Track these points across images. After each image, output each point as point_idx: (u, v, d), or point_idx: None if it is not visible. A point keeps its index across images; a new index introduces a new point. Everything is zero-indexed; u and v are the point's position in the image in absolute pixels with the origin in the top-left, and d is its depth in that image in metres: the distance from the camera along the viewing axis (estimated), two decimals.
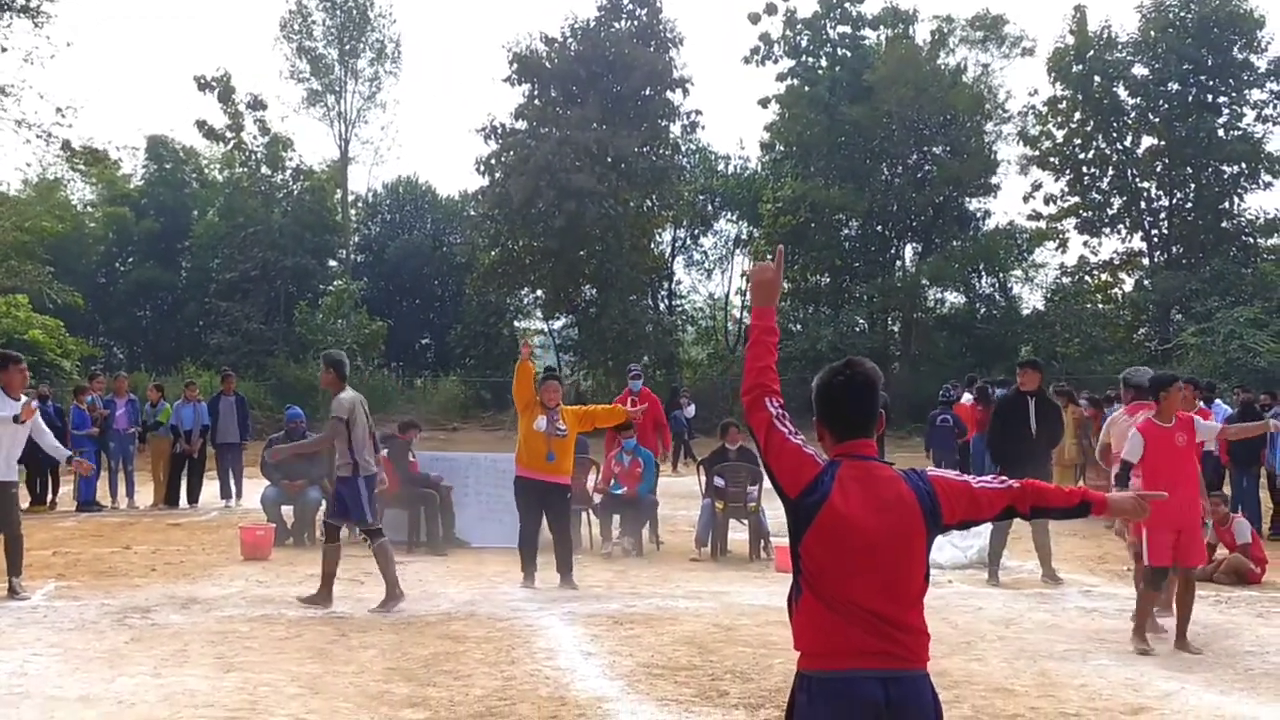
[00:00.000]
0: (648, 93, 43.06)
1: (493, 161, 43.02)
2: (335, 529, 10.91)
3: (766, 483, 14.68)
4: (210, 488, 19.94)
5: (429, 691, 7.51)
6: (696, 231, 51.94)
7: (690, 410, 29.65)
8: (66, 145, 35.44)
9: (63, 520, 17.64)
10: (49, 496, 19.19)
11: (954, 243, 45.58)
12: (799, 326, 44.08)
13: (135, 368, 43.52)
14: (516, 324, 48.85)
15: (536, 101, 43.30)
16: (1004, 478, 3.86)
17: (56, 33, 60.71)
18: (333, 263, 51.92)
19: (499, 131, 43.14)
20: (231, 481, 19.85)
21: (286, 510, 15.18)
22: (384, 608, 10.36)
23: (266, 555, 13.52)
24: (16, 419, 10.86)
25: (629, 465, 14.38)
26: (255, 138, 47.18)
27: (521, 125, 43.30)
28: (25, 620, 9.70)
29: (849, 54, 46.85)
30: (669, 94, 43.41)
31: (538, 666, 8.26)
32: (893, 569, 3.58)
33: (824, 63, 47.15)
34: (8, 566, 11.06)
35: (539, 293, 46.63)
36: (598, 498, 14.59)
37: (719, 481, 14.06)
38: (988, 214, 47.42)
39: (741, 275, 47.61)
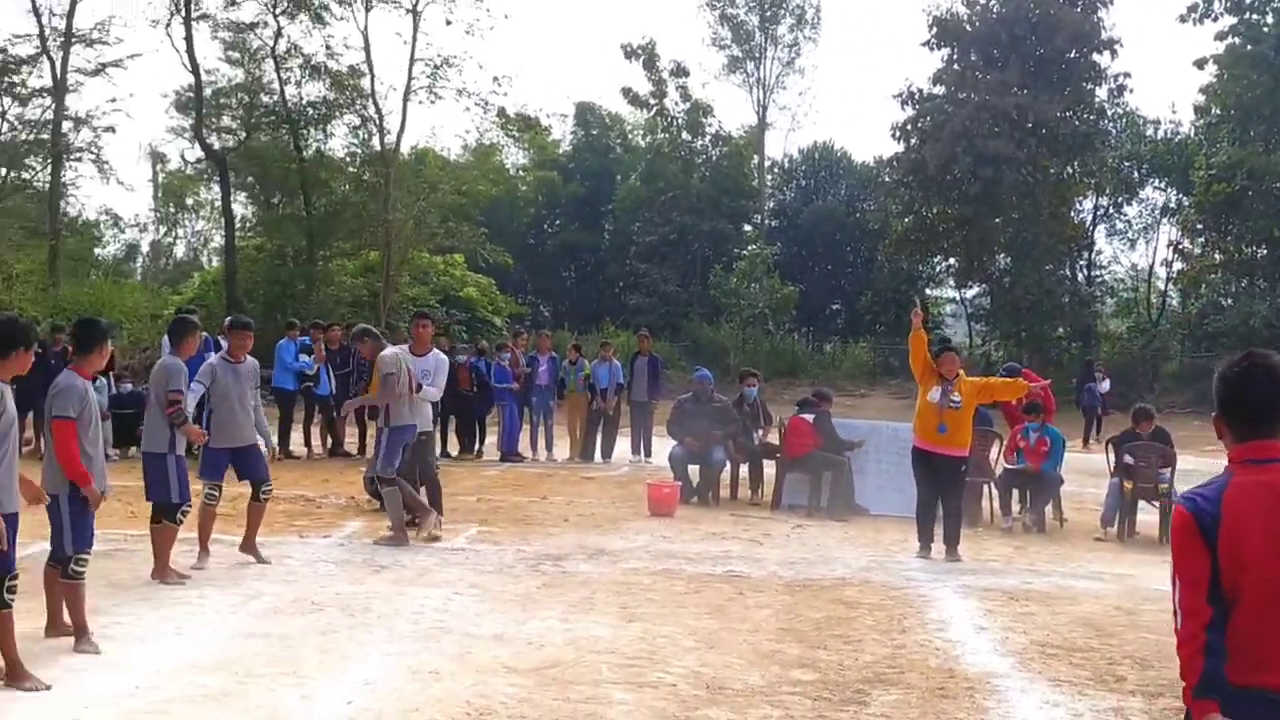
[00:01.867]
0: (1072, 55, 41.47)
1: (909, 127, 42.58)
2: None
3: (1181, 464, 14.07)
4: (623, 444, 20.72)
5: (819, 654, 7.63)
6: (1120, 199, 49.65)
7: (1105, 385, 28.60)
8: (502, 112, 37.51)
9: (487, 469, 18.76)
10: (476, 446, 20.42)
11: None
12: (1229, 301, 41.59)
13: (559, 326, 45.70)
14: (928, 291, 48.29)
15: (956, 66, 42.48)
16: None
17: (496, 5, 64.02)
18: (747, 227, 52.82)
19: (916, 97, 42.63)
20: (642, 439, 20.55)
21: (693, 469, 15.55)
22: (387, 541, 11.11)
23: (672, 512, 13.92)
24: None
25: (1034, 442, 14.05)
26: (677, 104, 48.56)
27: (939, 90, 42.63)
28: (450, 561, 10.44)
29: None
30: (1095, 56, 41.67)
31: (928, 637, 8.24)
32: None
33: (1270, 19, 43.94)
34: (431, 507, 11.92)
35: (951, 260, 45.93)
36: (999, 471, 14.33)
37: (1128, 460, 13.55)
38: None
39: (1168, 246, 45.25)
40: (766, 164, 55.24)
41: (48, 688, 6.35)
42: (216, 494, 10.06)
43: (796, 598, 9.39)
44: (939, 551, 11.58)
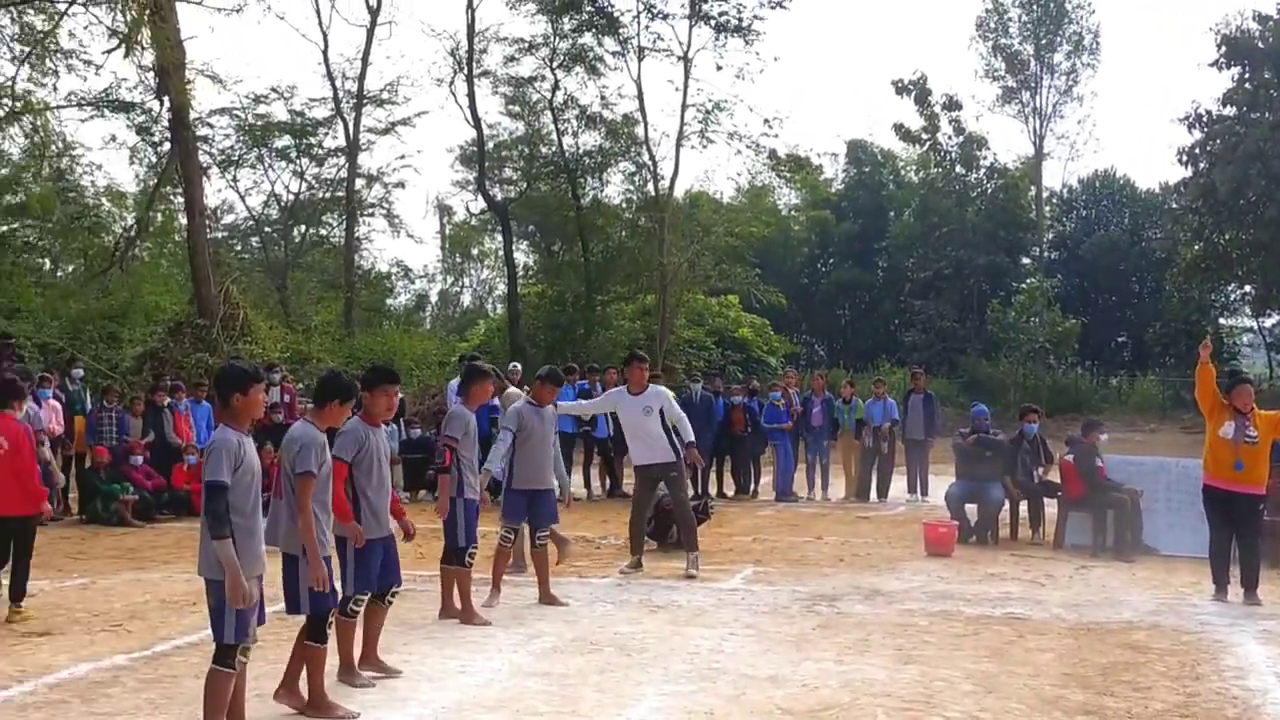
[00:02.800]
0: None
1: (1196, 151, 40.97)
2: None
3: None
4: (899, 483, 20.50)
5: (1105, 701, 7.39)
6: None
7: None
8: (773, 154, 37.68)
9: (762, 509, 18.85)
10: (751, 486, 20.52)
11: None
12: None
13: (834, 364, 45.59)
14: (1222, 321, 46.31)
15: (1247, 85, 40.68)
16: None
17: (765, 48, 64.48)
18: (1026, 260, 51.69)
19: (1204, 119, 40.98)
20: (918, 477, 20.29)
21: (971, 508, 15.29)
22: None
23: (949, 552, 13.73)
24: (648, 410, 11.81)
25: None
26: (950, 138, 47.89)
27: (1229, 111, 40.88)
28: (725, 601, 10.53)
29: None
30: None
31: (1225, 685, 7.89)
32: None
33: None
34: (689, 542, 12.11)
35: (1247, 288, 43.93)
36: None
37: None
38: None
39: None
40: (1044, 195, 53.95)
41: (356, 715, 6.78)
42: (512, 537, 10.35)
43: (1081, 641, 9.13)
44: (1236, 594, 11.07)
